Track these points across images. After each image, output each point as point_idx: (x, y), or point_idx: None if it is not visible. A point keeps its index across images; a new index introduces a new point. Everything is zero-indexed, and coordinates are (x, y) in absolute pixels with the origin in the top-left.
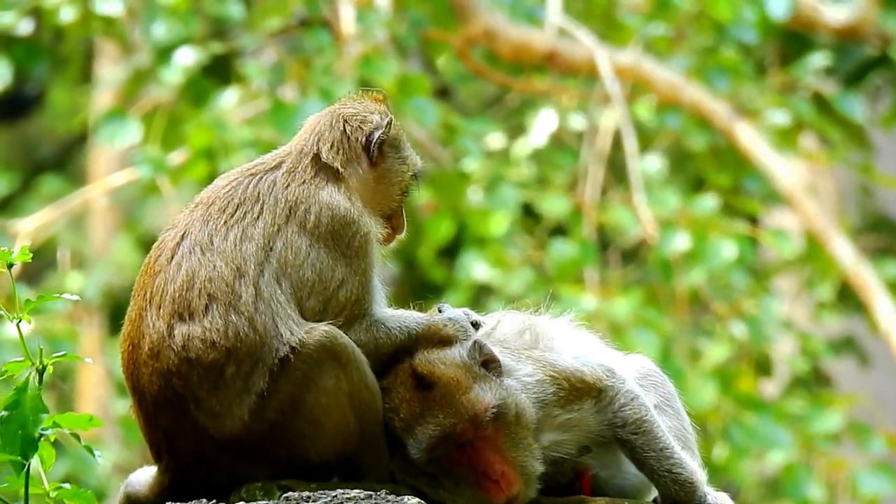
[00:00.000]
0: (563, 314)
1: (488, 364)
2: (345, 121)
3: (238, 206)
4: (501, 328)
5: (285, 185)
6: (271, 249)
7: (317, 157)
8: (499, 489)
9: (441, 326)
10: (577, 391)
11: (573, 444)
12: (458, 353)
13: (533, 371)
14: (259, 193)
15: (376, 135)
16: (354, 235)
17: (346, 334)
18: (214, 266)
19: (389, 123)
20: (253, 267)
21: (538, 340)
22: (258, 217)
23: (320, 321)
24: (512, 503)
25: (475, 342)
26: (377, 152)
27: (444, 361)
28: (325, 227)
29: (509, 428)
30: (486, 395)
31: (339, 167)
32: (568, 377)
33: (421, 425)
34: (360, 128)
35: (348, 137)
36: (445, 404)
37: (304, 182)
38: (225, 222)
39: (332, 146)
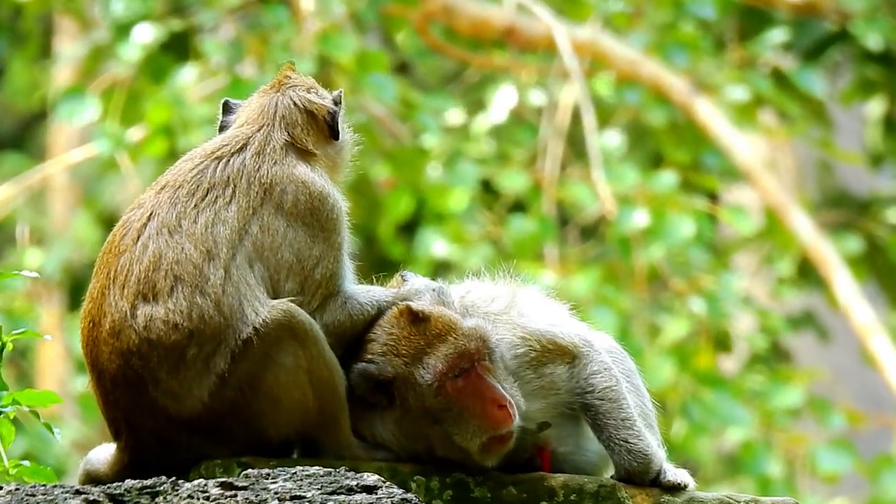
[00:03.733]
0: (531, 285)
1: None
2: (304, 99)
3: (208, 190)
4: (471, 296)
5: (256, 167)
6: (246, 233)
7: (285, 138)
8: (506, 415)
9: (412, 298)
10: (549, 353)
11: (538, 415)
12: (432, 298)
13: (503, 333)
14: (229, 177)
15: (339, 111)
16: (332, 210)
17: (322, 312)
18: (182, 248)
19: (341, 97)
20: (225, 250)
21: (510, 306)
22: (230, 201)
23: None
24: (508, 439)
25: (441, 287)
26: (338, 128)
27: (428, 303)
28: (303, 205)
29: (498, 367)
30: (483, 324)
31: (311, 147)
32: (540, 339)
33: (429, 352)
34: (323, 105)
35: (313, 115)
36: (449, 330)
37: (275, 163)
38: (195, 206)
39: (298, 125)
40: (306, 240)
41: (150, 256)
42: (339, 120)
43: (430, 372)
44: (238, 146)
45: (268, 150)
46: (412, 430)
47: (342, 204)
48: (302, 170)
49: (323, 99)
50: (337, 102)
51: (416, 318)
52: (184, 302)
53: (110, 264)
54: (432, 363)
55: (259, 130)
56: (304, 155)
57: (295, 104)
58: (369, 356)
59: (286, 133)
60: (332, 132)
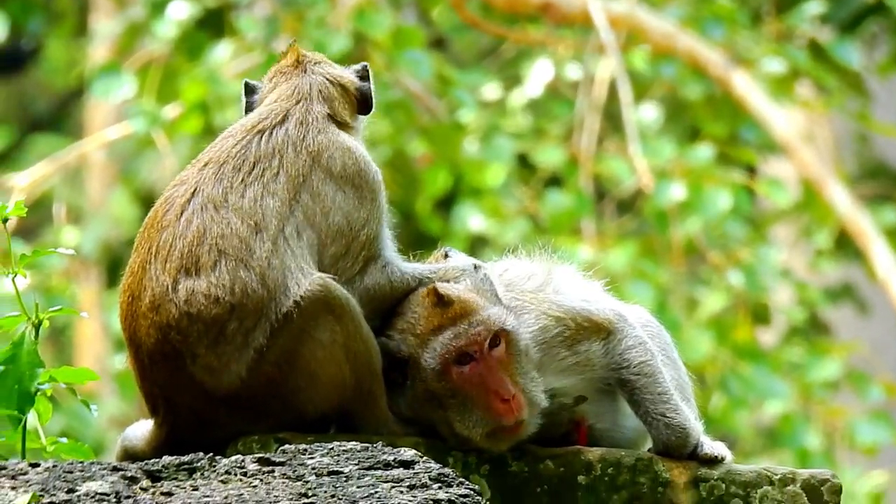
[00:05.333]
0: (566, 263)
1: (498, 297)
2: (338, 76)
3: (254, 163)
4: (509, 274)
5: (301, 136)
6: (297, 202)
7: (326, 111)
8: (509, 409)
9: (452, 276)
10: (584, 330)
11: (574, 390)
12: (471, 283)
13: (537, 315)
14: (274, 148)
15: (370, 86)
16: (374, 176)
17: (363, 275)
18: (228, 223)
19: (367, 72)
20: (275, 222)
21: (546, 283)
22: (278, 172)
23: (338, 265)
24: (518, 428)
25: (485, 274)
26: (371, 100)
27: (460, 288)
28: (350, 168)
29: (519, 356)
30: (501, 313)
31: (348, 119)
32: (574, 317)
33: (438, 335)
34: (353, 80)
35: (346, 90)
36: (464, 315)
37: (320, 131)
38: (242, 181)
39: (337, 100)
40: (355, 202)
41: (193, 231)
42: (369, 93)
43: (434, 356)
44: (279, 118)
45: (310, 121)
46: (421, 412)
47: (380, 173)
48: (345, 137)
49: (349, 73)
50: (363, 77)
51: (440, 300)
52: (227, 276)
53: (152, 239)
54: (438, 347)
55: (297, 104)
56: (343, 127)
57: (328, 79)
58: (391, 332)
59: (325, 106)
60: (365, 105)
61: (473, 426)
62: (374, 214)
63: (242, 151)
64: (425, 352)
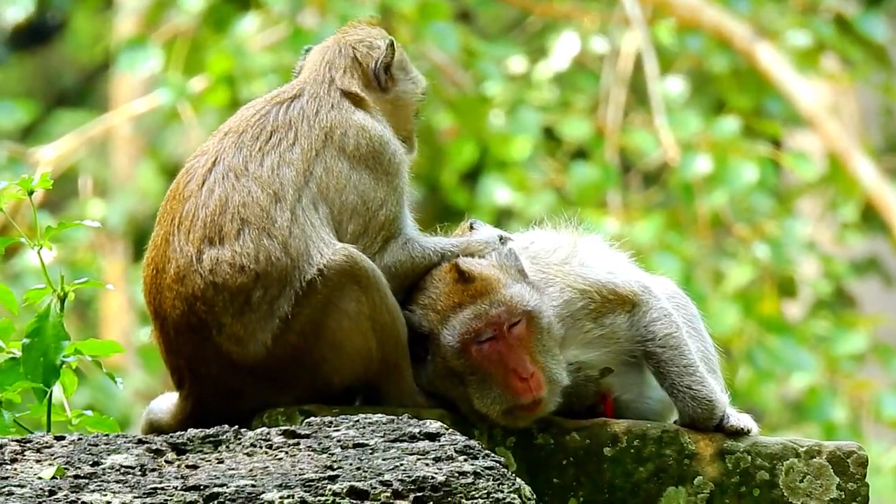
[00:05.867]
0: (593, 234)
1: (521, 274)
2: (353, 47)
3: (272, 133)
4: (535, 246)
5: (314, 111)
6: (311, 174)
7: (338, 85)
8: (527, 387)
9: (477, 249)
10: (609, 303)
11: (599, 362)
12: (495, 259)
13: (562, 288)
14: (291, 120)
15: (380, 59)
16: (393, 155)
17: (384, 253)
18: (249, 191)
19: (391, 46)
20: (291, 192)
21: (572, 256)
22: (294, 143)
23: (357, 243)
24: (537, 407)
25: (510, 249)
26: (384, 76)
27: (483, 264)
28: (364, 148)
29: (541, 334)
30: (523, 292)
31: (359, 91)
32: (599, 289)
33: (458, 313)
34: (370, 53)
35: (360, 63)
36: (484, 293)
37: (332, 107)
38: (259, 149)
39: (345, 72)
40: (370, 182)
41: (216, 200)
42: (380, 69)
43: (453, 333)
44: (294, 92)
45: (322, 96)
46: (441, 387)
47: (402, 152)
48: (360, 115)
49: (374, 49)
50: (382, 52)
51: (462, 277)
52: (251, 244)
53: (174, 211)
54: (457, 325)
55: (314, 78)
56: (359, 102)
57: (345, 53)
58: (412, 306)
59: (342, 81)
60: (377, 82)
61: (491, 403)
62: (391, 195)
63: (261, 120)
64: (445, 329)
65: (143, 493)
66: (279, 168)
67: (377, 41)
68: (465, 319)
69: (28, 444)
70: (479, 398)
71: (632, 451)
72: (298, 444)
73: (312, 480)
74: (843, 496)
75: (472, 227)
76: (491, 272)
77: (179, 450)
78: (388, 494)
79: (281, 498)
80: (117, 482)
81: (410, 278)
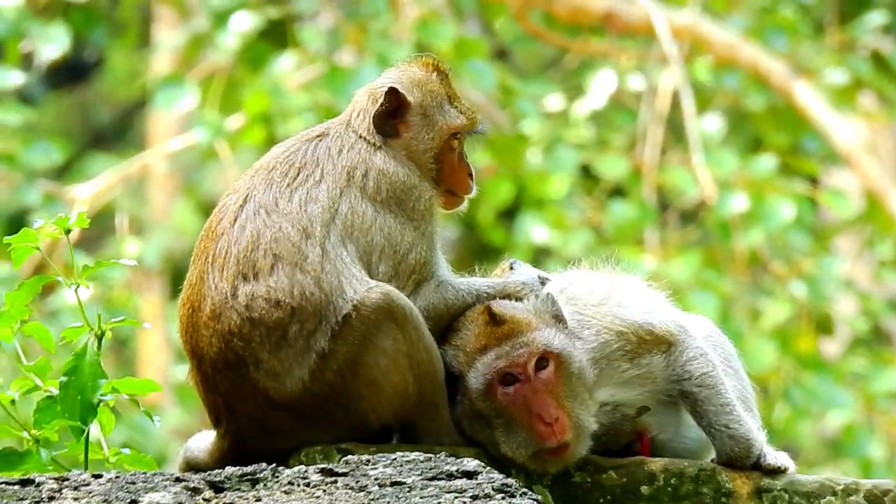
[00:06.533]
0: (631, 274)
1: (558, 319)
2: (370, 93)
3: (300, 169)
4: (573, 288)
5: (338, 150)
6: (336, 212)
7: (355, 127)
8: (551, 432)
9: (514, 290)
10: (645, 344)
11: (635, 401)
12: (531, 303)
13: (598, 331)
14: (318, 158)
15: (374, 111)
16: (417, 200)
17: (416, 296)
18: (280, 227)
19: (389, 95)
20: (319, 228)
21: (609, 297)
22: (320, 180)
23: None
24: (563, 451)
25: (548, 294)
26: (382, 126)
27: (517, 307)
28: (385, 193)
29: (569, 378)
30: (552, 337)
31: (369, 136)
32: (636, 330)
33: (483, 355)
34: (376, 101)
35: (369, 111)
36: (511, 336)
37: (351, 148)
38: (288, 185)
39: (358, 115)
40: (396, 226)
41: (248, 237)
42: (376, 121)
43: (479, 376)
44: (322, 130)
45: (344, 137)
46: (469, 429)
47: (431, 193)
48: (380, 158)
49: (379, 96)
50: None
51: (493, 319)
52: (285, 279)
53: (208, 249)
54: (481, 368)
55: (341, 118)
56: (375, 144)
57: (366, 96)
58: (445, 346)
59: (354, 123)
60: (378, 128)
61: (517, 447)
62: (420, 240)
63: (290, 157)
64: (471, 371)
65: None
66: (307, 204)
67: (405, 86)
68: (489, 361)
69: (66, 482)
70: (504, 442)
71: (669, 489)
72: (336, 482)
73: None
74: None
75: (511, 268)
76: (523, 316)
77: (217, 488)
78: None
79: None
80: None
81: (445, 319)
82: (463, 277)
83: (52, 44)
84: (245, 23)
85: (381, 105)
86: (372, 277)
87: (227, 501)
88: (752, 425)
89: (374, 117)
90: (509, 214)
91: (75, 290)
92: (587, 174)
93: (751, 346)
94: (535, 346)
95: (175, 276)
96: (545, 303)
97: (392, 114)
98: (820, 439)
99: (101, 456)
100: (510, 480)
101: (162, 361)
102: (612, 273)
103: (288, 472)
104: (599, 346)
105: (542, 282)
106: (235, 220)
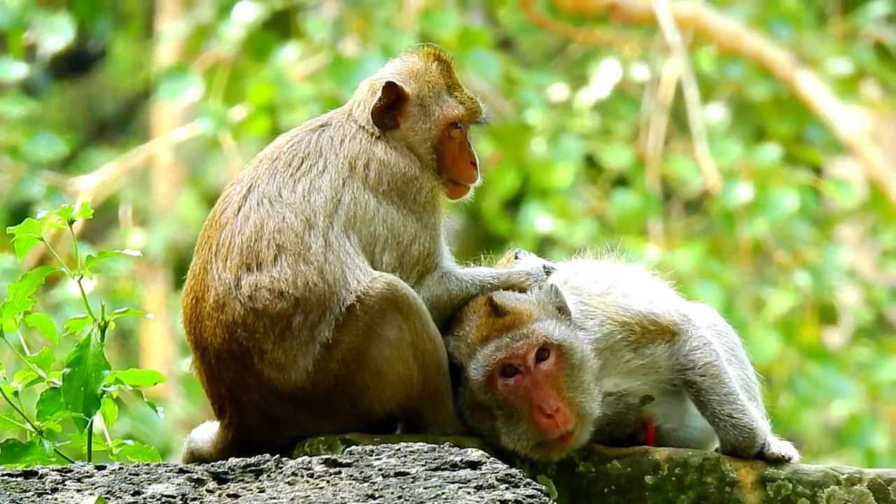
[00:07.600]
0: (635, 263)
1: (561, 310)
2: (370, 84)
3: (303, 159)
4: (577, 278)
5: (339, 141)
6: (339, 202)
7: (353, 116)
8: (553, 423)
9: (518, 281)
10: (649, 333)
11: (639, 391)
12: (534, 294)
13: (602, 321)
14: (321, 148)
15: (371, 104)
16: (420, 191)
17: (420, 287)
18: (283, 217)
19: (386, 89)
20: (322, 218)
21: (613, 287)
22: (323, 170)
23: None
24: (566, 441)
25: (552, 285)
26: (381, 119)
27: (520, 298)
28: (387, 184)
29: (571, 369)
30: (552, 328)
31: (372, 128)
32: (640, 321)
33: (484, 346)
34: (375, 94)
35: (369, 103)
36: (512, 328)
37: (352, 139)
38: (292, 175)
39: (361, 107)
40: (399, 217)
41: (251, 227)
42: (373, 114)
43: (479, 367)
44: (325, 120)
45: (345, 127)
46: (471, 420)
47: (434, 184)
48: (381, 148)
49: (377, 88)
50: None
51: (495, 310)
52: (288, 270)
53: (211, 239)
54: (482, 359)
55: (343, 108)
56: (375, 135)
57: (366, 87)
58: (448, 336)
59: (355, 113)
60: (377, 121)
61: (519, 439)
62: (423, 231)
63: (293, 147)
64: (472, 362)
65: None
66: (310, 194)
67: (405, 77)
68: (489, 352)
69: (69, 474)
70: (506, 433)
71: (673, 478)
72: (340, 472)
73: None
74: None
75: (516, 257)
76: (525, 307)
77: (221, 479)
78: None
79: None
80: None
81: (449, 310)
82: (467, 268)
83: (56, 35)
84: (249, 13)
85: (379, 99)
86: (375, 268)
87: (231, 492)
88: (756, 415)
89: (372, 112)
90: (514, 204)
91: (79, 281)
92: (591, 164)
93: (755, 336)
94: (536, 337)
95: (179, 266)
96: (548, 293)
97: (391, 106)
98: (824, 429)
99: (105, 447)
100: (514, 471)
101: (166, 352)
102: (617, 263)
103: (292, 462)
104: (603, 337)
105: (547, 271)
106: (239, 210)
